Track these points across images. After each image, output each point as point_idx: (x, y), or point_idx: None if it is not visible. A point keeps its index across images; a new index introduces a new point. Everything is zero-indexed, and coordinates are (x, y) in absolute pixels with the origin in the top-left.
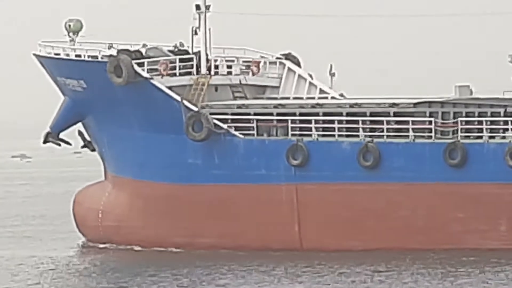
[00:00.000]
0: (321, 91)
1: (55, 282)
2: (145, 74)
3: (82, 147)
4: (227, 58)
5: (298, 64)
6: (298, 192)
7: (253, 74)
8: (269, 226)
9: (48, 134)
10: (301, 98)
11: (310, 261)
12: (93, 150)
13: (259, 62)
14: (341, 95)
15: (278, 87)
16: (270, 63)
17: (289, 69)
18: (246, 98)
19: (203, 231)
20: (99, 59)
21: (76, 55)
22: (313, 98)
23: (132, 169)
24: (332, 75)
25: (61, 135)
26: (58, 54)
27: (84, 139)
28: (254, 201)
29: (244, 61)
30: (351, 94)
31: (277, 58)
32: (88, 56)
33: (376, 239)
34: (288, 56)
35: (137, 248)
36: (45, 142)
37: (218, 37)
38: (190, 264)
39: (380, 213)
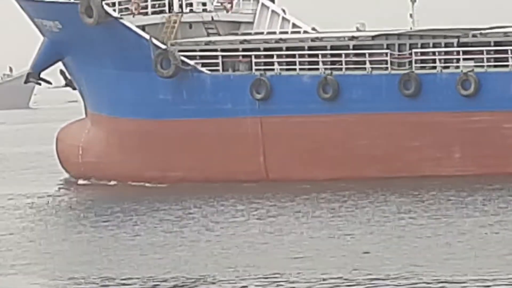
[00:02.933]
0: (294, 25)
1: (36, 217)
2: (114, 13)
3: (64, 86)
4: None
5: (272, 0)
6: (262, 125)
7: (227, 10)
8: (235, 158)
9: (29, 74)
10: (274, 33)
11: (276, 190)
12: (75, 88)
13: None
14: (313, 29)
15: (252, 23)
16: None
17: (262, 4)
18: (219, 34)
19: (174, 165)
20: (72, 0)
21: None
22: (286, 32)
23: (107, 107)
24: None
25: (42, 75)
26: None
27: (65, 77)
28: (221, 134)
29: None
30: (327, 27)
31: None
32: None
33: (337, 168)
34: None
35: (113, 182)
36: (26, 82)
37: None
38: (164, 197)
39: (340, 143)
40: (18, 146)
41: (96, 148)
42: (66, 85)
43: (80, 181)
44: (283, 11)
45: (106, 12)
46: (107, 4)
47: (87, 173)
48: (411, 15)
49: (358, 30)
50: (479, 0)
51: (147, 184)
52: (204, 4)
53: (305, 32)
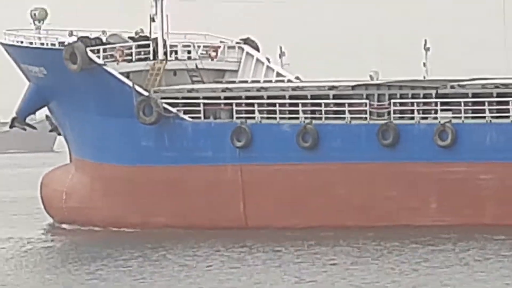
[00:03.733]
0: (278, 74)
1: (20, 263)
2: (98, 60)
3: (50, 131)
4: (185, 44)
5: (257, 49)
6: (242, 173)
7: (212, 59)
8: (216, 206)
9: (14, 119)
10: (259, 82)
11: (254, 238)
12: (60, 134)
13: (218, 47)
14: (297, 78)
15: (237, 71)
16: (229, 47)
17: (247, 53)
18: (203, 82)
19: (156, 211)
20: (57, 46)
21: (41, 43)
22: (270, 81)
23: (91, 152)
24: (282, 54)
25: (27, 120)
26: (21, 42)
27: (51, 123)
28: (202, 181)
29: (204, 46)
30: (310, 77)
31: (237, 43)
32: (47, 44)
33: (316, 217)
34: (247, 41)
35: (96, 228)
36: (11, 126)
37: (181, 23)
38: (145, 243)
39: (319, 192)
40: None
41: (79, 193)
42: (52, 130)
43: (64, 226)
44: (268, 59)
45: (90, 59)
46: (92, 51)
47: (71, 218)
48: (424, 64)
49: (371, 78)
50: (494, 50)
51: (128, 230)
52: (189, 52)
53: (288, 81)
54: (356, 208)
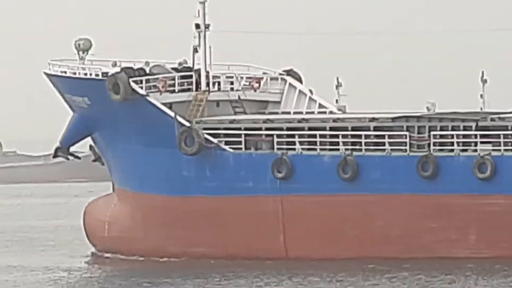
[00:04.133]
0: (320, 105)
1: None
2: (141, 91)
3: (93, 160)
4: (228, 75)
5: (300, 80)
6: (283, 203)
7: (255, 90)
8: (256, 236)
9: (57, 148)
10: (301, 113)
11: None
12: (103, 164)
13: (260, 78)
14: (339, 109)
15: (279, 103)
16: (272, 79)
17: (290, 84)
18: (245, 113)
19: (196, 241)
20: (100, 77)
21: (84, 73)
22: (313, 112)
23: (132, 182)
24: (339, 85)
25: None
26: (65, 72)
27: (95, 153)
28: (243, 212)
29: (247, 78)
30: (357, 108)
31: (280, 74)
32: (91, 74)
33: (355, 248)
34: (289, 72)
35: (138, 258)
36: (55, 156)
37: (225, 54)
38: (186, 273)
39: (359, 223)
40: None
41: (121, 223)
42: (95, 160)
43: (106, 255)
44: (310, 91)
45: (133, 89)
46: (134, 82)
47: (113, 247)
48: (481, 96)
49: (428, 109)
50: None
51: (171, 259)
52: (232, 83)
53: (331, 112)
54: (395, 240)
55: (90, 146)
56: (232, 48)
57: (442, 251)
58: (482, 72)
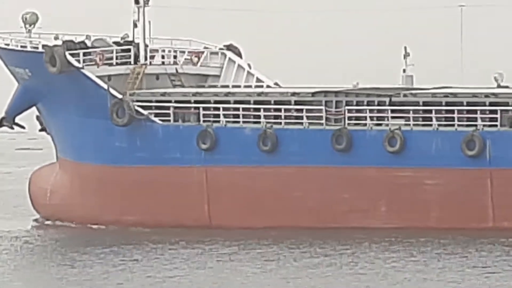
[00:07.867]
0: (258, 80)
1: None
2: (76, 63)
3: (40, 130)
4: (167, 49)
5: (239, 55)
6: (207, 174)
7: (194, 64)
8: (183, 205)
9: (3, 118)
10: (239, 87)
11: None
12: (48, 133)
13: (201, 52)
14: (276, 84)
15: (219, 76)
16: (212, 53)
17: (229, 59)
18: (183, 86)
19: (128, 209)
20: (40, 49)
21: (24, 46)
22: (250, 86)
23: (71, 152)
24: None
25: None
26: (8, 45)
27: (41, 123)
28: (170, 182)
29: (188, 52)
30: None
31: (220, 49)
32: (31, 47)
33: (274, 218)
34: (229, 47)
35: (73, 225)
36: (0, 126)
37: (166, 29)
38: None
39: (278, 194)
40: None
41: (61, 191)
42: (41, 129)
43: (47, 222)
44: (249, 65)
45: (69, 62)
46: (72, 55)
47: (54, 215)
48: (404, 71)
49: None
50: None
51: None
52: (175, 57)
53: (267, 86)
54: (311, 210)
55: (37, 117)
56: (179, 24)
57: (355, 222)
58: (405, 48)
